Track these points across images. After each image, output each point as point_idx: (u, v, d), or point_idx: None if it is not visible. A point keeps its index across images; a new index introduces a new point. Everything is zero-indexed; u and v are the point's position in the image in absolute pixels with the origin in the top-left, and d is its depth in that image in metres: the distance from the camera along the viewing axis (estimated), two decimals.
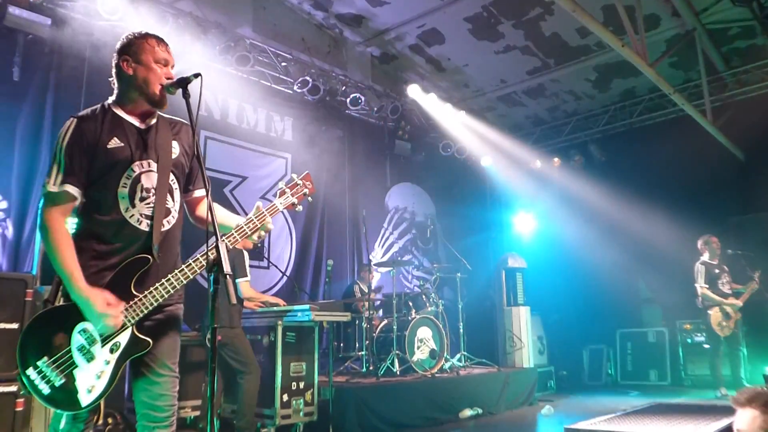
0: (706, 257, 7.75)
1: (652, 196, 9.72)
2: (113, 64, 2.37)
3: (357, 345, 7.00)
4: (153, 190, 2.30)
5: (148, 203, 2.29)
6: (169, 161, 2.37)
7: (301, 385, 5.41)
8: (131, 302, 2.21)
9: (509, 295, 8.46)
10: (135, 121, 2.34)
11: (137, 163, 2.29)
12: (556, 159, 10.60)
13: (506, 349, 8.26)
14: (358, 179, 9.56)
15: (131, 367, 2.32)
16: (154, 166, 2.33)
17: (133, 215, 2.26)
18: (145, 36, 2.38)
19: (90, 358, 2.16)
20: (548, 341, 9.41)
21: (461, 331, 7.75)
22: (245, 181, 8.03)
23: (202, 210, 2.57)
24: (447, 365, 7.06)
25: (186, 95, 2.24)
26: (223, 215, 2.54)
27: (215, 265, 1.97)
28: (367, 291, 7.39)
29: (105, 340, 2.18)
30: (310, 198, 2.66)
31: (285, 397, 5.24)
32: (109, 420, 5.11)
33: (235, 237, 2.36)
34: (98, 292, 2.14)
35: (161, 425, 2.32)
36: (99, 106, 2.36)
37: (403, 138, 10.06)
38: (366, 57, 9.69)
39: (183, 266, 2.28)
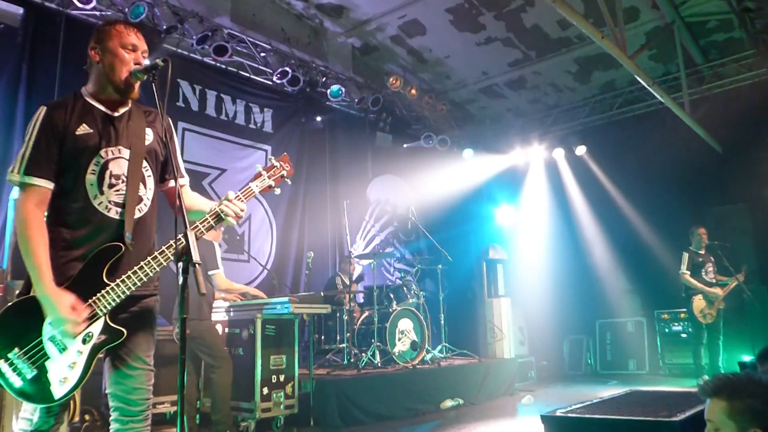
0: (692, 246, 7.79)
1: (631, 188, 9.82)
2: (87, 54, 2.33)
3: (338, 337, 6.99)
4: (123, 177, 2.26)
5: (118, 190, 2.25)
6: (141, 148, 2.33)
7: (282, 378, 5.38)
8: (103, 291, 2.16)
9: (490, 287, 8.51)
10: (106, 109, 2.31)
11: (106, 149, 2.25)
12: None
13: (487, 340, 8.31)
14: (339, 171, 9.52)
15: (105, 360, 2.28)
16: (125, 153, 2.29)
17: (101, 203, 2.22)
18: (114, 22, 2.34)
19: (62, 348, 2.11)
20: (529, 332, 9.47)
21: (442, 322, 7.77)
22: (224, 173, 7.95)
23: (184, 200, 2.47)
24: (428, 356, 7.07)
25: (154, 81, 2.19)
26: (201, 202, 2.50)
27: (184, 254, 1.93)
28: (348, 283, 7.37)
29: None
30: (289, 181, 2.62)
31: (265, 391, 5.21)
32: (86, 417, 5.04)
33: (208, 221, 2.31)
34: (65, 295, 2.08)
35: (135, 419, 2.28)
36: (71, 94, 2.32)
37: (385, 130, 10.04)
38: (347, 48, 9.63)
39: (156, 254, 2.24)
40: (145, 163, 2.35)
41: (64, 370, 2.11)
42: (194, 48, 7.46)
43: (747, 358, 7.36)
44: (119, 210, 2.25)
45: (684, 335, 9.00)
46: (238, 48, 7.89)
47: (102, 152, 2.24)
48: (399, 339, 6.80)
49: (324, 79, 8.80)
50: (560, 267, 10.20)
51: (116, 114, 2.32)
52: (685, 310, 8.59)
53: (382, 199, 10.29)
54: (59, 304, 2.06)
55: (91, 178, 2.21)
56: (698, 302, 7.45)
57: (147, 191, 2.36)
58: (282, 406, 5.33)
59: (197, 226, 2.29)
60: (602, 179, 10.23)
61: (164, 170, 2.48)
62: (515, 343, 8.58)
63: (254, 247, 8.06)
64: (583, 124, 10.62)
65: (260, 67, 8.32)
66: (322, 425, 5.45)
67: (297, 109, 9.03)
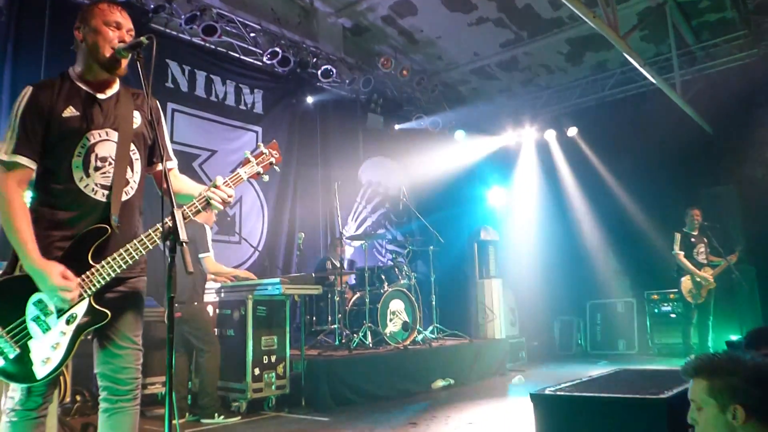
0: (686, 227, 7.84)
1: (622, 169, 9.85)
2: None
3: (330, 318, 7.00)
4: (110, 160, 2.25)
5: (104, 173, 2.24)
6: (129, 131, 2.32)
7: (273, 358, 5.40)
8: (88, 273, 2.15)
9: (482, 268, 8.53)
10: (93, 91, 2.29)
11: (93, 132, 2.24)
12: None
13: (478, 321, 8.35)
14: (330, 153, 9.47)
15: (93, 339, 2.28)
16: (113, 135, 2.28)
17: (87, 185, 2.22)
18: (97, 1, 2.30)
19: (45, 328, 2.11)
20: (520, 313, 9.54)
21: (434, 303, 7.80)
22: (215, 155, 7.90)
23: (172, 183, 2.45)
24: (419, 337, 7.11)
25: (139, 59, 2.15)
26: (190, 186, 2.49)
27: (171, 234, 1.92)
28: (338, 265, 7.38)
29: (61, 311, 2.13)
30: (277, 168, 2.62)
31: (257, 371, 5.24)
32: (77, 397, 5.06)
33: (196, 206, 2.30)
34: (54, 265, 2.08)
35: (124, 398, 2.30)
36: (58, 75, 2.30)
37: (376, 111, 9.98)
38: (337, 28, 9.53)
39: (142, 236, 2.23)
40: (132, 146, 2.33)
41: (47, 351, 2.11)
42: (182, 28, 7.37)
43: (735, 337, 7.44)
44: (106, 192, 2.24)
45: (673, 315, 9.09)
46: (228, 28, 7.80)
47: (88, 135, 2.23)
48: (390, 320, 6.82)
49: (315, 59, 8.72)
50: (551, 248, 10.25)
51: (103, 96, 2.31)
52: (674, 290, 8.70)
53: (373, 180, 10.26)
54: (50, 273, 2.06)
55: (76, 160, 2.20)
56: (686, 283, 7.56)
57: (134, 174, 2.35)
58: (273, 387, 5.36)
59: (184, 210, 2.27)
60: (593, 160, 10.25)
61: (152, 153, 2.47)
62: (506, 324, 8.64)
63: (245, 229, 8.03)
64: (575, 106, 10.62)
65: (250, 47, 8.24)
66: (313, 405, 5.48)
67: (288, 90, 8.96)
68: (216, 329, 5.52)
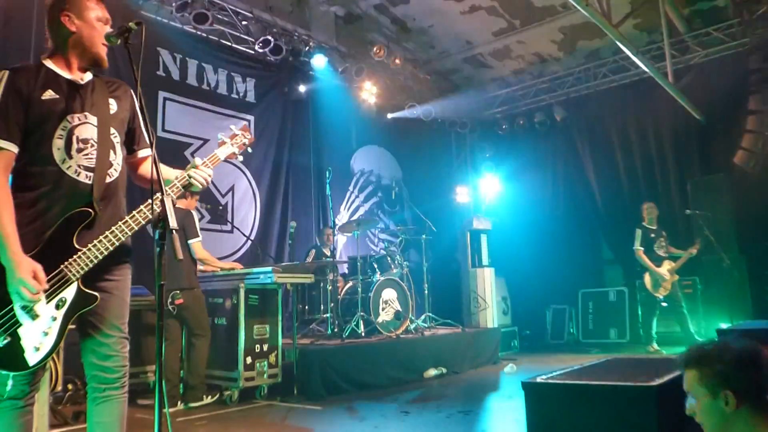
0: (646, 221, 8.15)
1: (614, 158, 9.86)
2: (49, 18, 2.28)
3: (322, 307, 7.01)
4: (92, 142, 2.25)
5: (87, 155, 2.24)
6: (107, 116, 2.33)
7: (265, 347, 5.40)
8: (75, 256, 2.14)
9: (474, 257, 8.55)
10: (70, 76, 2.29)
11: (72, 115, 2.23)
12: None
13: (471, 310, 8.38)
14: (322, 142, 9.44)
15: (78, 328, 2.27)
16: (92, 119, 2.28)
17: (70, 166, 2.20)
18: None
19: (34, 315, 2.09)
20: (512, 302, 9.57)
21: (426, 292, 7.81)
22: (206, 143, 7.84)
23: (144, 169, 2.51)
24: (412, 326, 7.13)
25: (128, 46, 2.13)
26: (168, 172, 2.46)
27: (161, 221, 1.90)
28: (329, 254, 7.38)
29: (50, 296, 2.11)
30: (250, 149, 2.68)
31: (249, 360, 5.24)
32: (69, 386, 5.04)
33: (177, 186, 2.32)
34: (30, 262, 2.06)
35: (112, 386, 2.30)
36: (33, 63, 2.30)
37: (369, 100, 9.94)
38: (330, 16, 9.46)
39: (127, 218, 2.22)
40: (113, 130, 2.34)
41: (38, 338, 2.10)
42: (174, 16, 7.30)
43: (725, 325, 7.50)
44: (89, 174, 2.23)
45: (665, 304, 9.13)
46: (219, 16, 7.73)
47: (69, 117, 2.22)
48: (383, 309, 6.83)
49: (307, 48, 8.67)
50: (543, 237, 10.27)
51: (81, 82, 2.30)
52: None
53: (366, 169, 10.24)
54: (20, 267, 2.03)
55: (58, 142, 2.19)
56: (647, 278, 7.91)
57: (117, 157, 2.34)
58: (265, 375, 5.37)
59: (166, 191, 2.21)
60: (586, 149, 10.26)
61: (131, 141, 2.47)
62: (498, 313, 8.68)
63: (238, 218, 8.01)
64: (568, 94, 10.61)
65: (242, 35, 8.17)
66: (305, 394, 5.49)
67: (280, 78, 8.90)
68: (208, 317, 5.52)
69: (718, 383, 1.90)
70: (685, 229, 8.70)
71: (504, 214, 10.60)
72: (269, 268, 5.39)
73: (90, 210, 2.20)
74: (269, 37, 8.03)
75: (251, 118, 8.46)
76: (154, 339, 5.72)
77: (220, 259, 6.15)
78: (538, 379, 3.37)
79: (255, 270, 5.51)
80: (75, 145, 2.21)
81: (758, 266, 8.17)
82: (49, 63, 2.27)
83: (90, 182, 2.23)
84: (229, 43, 8.16)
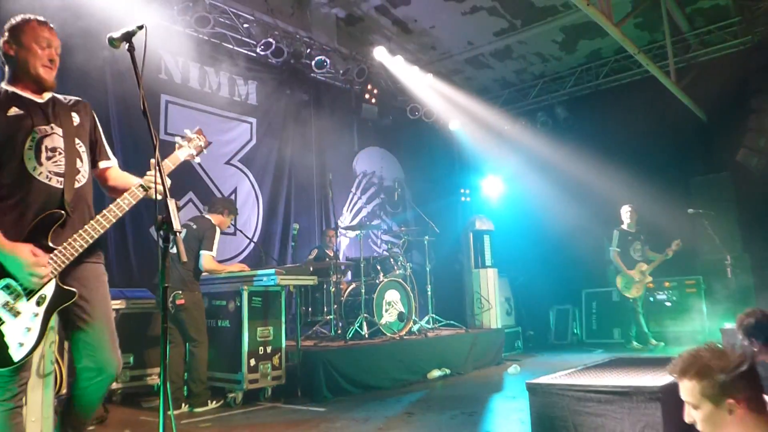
0: (624, 225, 8.44)
1: (617, 158, 9.82)
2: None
3: (325, 309, 7.01)
4: (60, 150, 2.43)
5: (56, 162, 2.40)
6: (71, 127, 2.51)
7: (269, 349, 5.40)
8: (52, 255, 2.27)
9: (477, 258, 8.53)
10: (31, 96, 2.48)
11: (39, 127, 2.40)
12: None
13: (474, 311, 8.37)
14: (324, 144, 9.45)
15: (65, 323, 2.39)
16: (58, 130, 2.45)
17: (41, 173, 2.36)
18: (28, 20, 2.49)
19: (16, 313, 2.18)
20: (516, 302, 9.56)
21: (429, 293, 7.81)
22: (208, 147, 7.84)
23: (113, 179, 2.70)
24: (415, 327, 7.12)
25: (131, 48, 2.15)
26: (132, 180, 2.63)
27: (164, 223, 1.91)
28: (332, 255, 7.38)
29: (30, 294, 2.20)
30: (205, 151, 2.92)
31: (252, 362, 5.24)
32: None
33: (134, 193, 2.47)
34: (22, 245, 2.19)
35: (100, 377, 2.45)
36: None
37: (370, 102, 9.94)
38: (331, 19, 9.47)
39: (98, 217, 2.39)
40: (77, 140, 2.52)
41: (21, 335, 2.19)
42: (175, 18, 7.30)
43: (729, 325, 7.50)
44: (60, 179, 2.40)
45: (668, 304, 9.12)
46: (221, 19, 7.74)
47: (36, 129, 2.39)
48: (386, 310, 6.83)
49: (308, 50, 8.67)
50: (546, 237, 10.25)
51: (41, 100, 2.50)
52: (669, 279, 8.79)
53: (368, 171, 10.25)
54: (20, 253, 2.15)
55: (28, 152, 2.35)
56: (619, 279, 8.27)
57: (83, 165, 2.53)
58: (269, 378, 5.36)
59: (125, 197, 2.43)
60: (588, 149, 10.23)
61: (93, 154, 2.66)
62: (502, 314, 8.66)
63: (240, 220, 8.01)
64: (569, 94, 10.61)
65: (243, 38, 8.19)
66: (309, 396, 5.49)
67: (282, 81, 8.91)
68: (211, 320, 5.53)
69: (719, 393, 1.88)
70: (689, 228, 8.68)
71: (507, 215, 10.58)
72: (272, 270, 5.39)
73: (61, 212, 2.34)
74: (271, 40, 8.04)
75: (253, 120, 8.48)
76: (156, 342, 5.73)
77: (222, 261, 6.16)
78: (543, 380, 3.37)
79: (258, 272, 5.51)
80: (44, 153, 2.38)
81: (762, 265, 8.16)
82: (7, 86, 2.46)
83: (61, 186, 2.39)
84: (231, 46, 8.17)
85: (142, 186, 2.48)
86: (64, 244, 2.30)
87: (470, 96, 10.65)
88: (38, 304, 2.23)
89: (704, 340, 2.15)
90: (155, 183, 2.36)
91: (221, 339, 5.42)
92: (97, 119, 2.67)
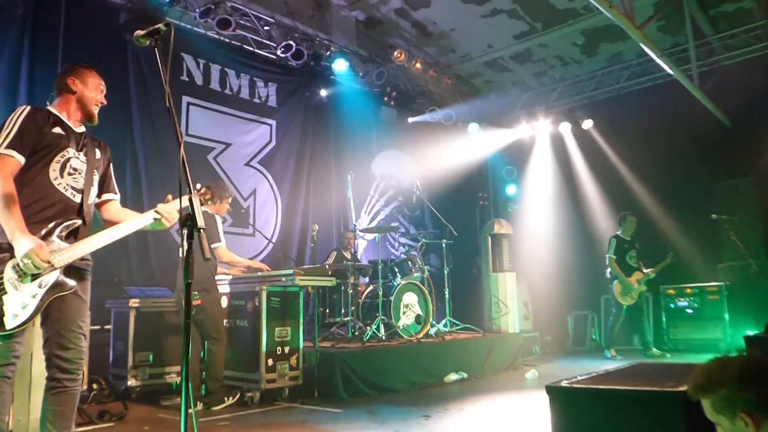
0: (619, 231, 8.46)
1: (638, 162, 9.75)
2: (58, 78, 2.91)
3: (343, 311, 7.01)
4: (81, 171, 2.80)
5: (75, 179, 2.77)
6: (94, 160, 2.89)
7: (287, 349, 5.41)
8: (62, 249, 2.58)
9: (495, 261, 8.47)
10: (73, 125, 2.86)
11: (69, 149, 2.77)
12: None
13: (492, 315, 8.31)
14: (343, 146, 9.48)
15: (43, 322, 2.63)
16: (83, 158, 2.83)
17: (60, 183, 2.71)
18: (90, 67, 2.98)
19: (18, 289, 2.48)
20: (533, 307, 9.47)
21: (447, 296, 7.78)
22: (229, 147, 7.93)
23: (113, 212, 3.04)
24: (432, 330, 7.10)
25: (157, 46, 2.18)
26: (126, 214, 3.04)
27: (188, 220, 1.92)
28: (349, 257, 7.38)
29: (35, 277, 2.50)
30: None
31: (270, 362, 5.25)
32: (94, 386, 5.12)
33: (148, 217, 2.88)
34: (35, 239, 2.49)
35: (70, 377, 2.63)
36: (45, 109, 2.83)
37: (389, 104, 9.96)
38: (351, 21, 9.51)
39: (110, 229, 2.75)
40: (95, 172, 2.91)
41: (17, 308, 2.47)
42: (197, 21, 7.39)
43: (752, 333, 7.38)
44: (75, 193, 2.76)
45: (689, 311, 8.98)
46: (242, 21, 7.81)
47: (67, 150, 2.76)
48: (403, 313, 6.81)
49: (328, 53, 8.72)
50: (565, 242, 10.18)
51: (79, 130, 2.89)
52: (691, 285, 8.67)
53: (386, 173, 10.25)
54: (29, 240, 2.45)
55: (54, 165, 2.72)
56: (617, 286, 8.28)
57: (94, 191, 2.91)
58: (287, 378, 5.37)
59: (135, 220, 2.87)
60: (609, 153, 10.16)
61: (101, 188, 3.00)
62: (520, 318, 8.59)
63: (259, 221, 8.06)
64: (590, 98, 10.53)
65: (264, 40, 8.24)
66: (326, 397, 5.49)
67: (301, 83, 8.97)
68: (229, 320, 5.56)
69: (730, 408, 1.84)
70: (711, 234, 8.57)
71: (526, 219, 10.52)
72: (291, 271, 5.40)
73: (79, 220, 2.72)
74: (291, 42, 8.09)
75: (273, 122, 8.53)
76: (175, 341, 5.77)
77: None
78: (563, 383, 3.32)
79: (277, 272, 5.53)
80: (67, 170, 2.75)
81: None
82: (54, 110, 2.84)
83: (75, 200, 2.75)
84: (252, 48, 8.23)
85: (156, 212, 2.85)
86: (75, 244, 2.63)
87: (489, 99, 10.62)
88: (40, 286, 2.51)
89: (726, 348, 2.10)
90: (181, 203, 2.61)
91: (239, 338, 5.45)
92: (111, 160, 3.10)
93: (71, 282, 2.60)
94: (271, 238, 8.04)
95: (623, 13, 6.41)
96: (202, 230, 1.93)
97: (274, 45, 8.24)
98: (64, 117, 2.84)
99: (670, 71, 7.74)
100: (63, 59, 6.07)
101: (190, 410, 1.98)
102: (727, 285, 8.51)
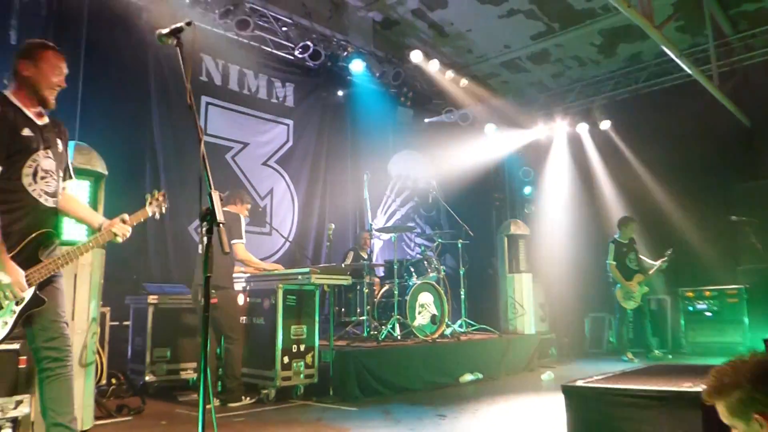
0: (617, 235, 8.53)
1: (656, 164, 9.65)
2: (12, 64, 2.79)
3: (358, 310, 7.02)
4: (51, 173, 2.80)
5: (47, 182, 2.77)
6: (58, 154, 2.87)
7: (302, 347, 5.45)
8: (38, 266, 2.66)
9: (511, 262, 8.43)
10: (35, 119, 2.79)
11: (39, 151, 2.75)
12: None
13: (508, 316, 8.27)
14: (360, 146, 9.51)
15: (27, 320, 2.70)
16: (51, 155, 2.81)
17: (35, 190, 2.72)
18: (46, 47, 2.83)
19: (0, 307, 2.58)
20: (550, 309, 9.42)
21: (462, 297, 7.77)
22: (247, 147, 7.99)
23: (66, 203, 3.02)
24: (448, 331, 7.09)
25: (179, 44, 2.22)
26: (85, 211, 3.13)
27: (208, 215, 1.95)
28: (366, 257, 7.40)
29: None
30: (163, 211, 3.22)
31: (286, 359, 5.29)
32: (113, 380, 5.19)
33: (98, 240, 2.91)
34: (17, 270, 2.57)
35: (60, 365, 2.73)
36: (2, 97, 2.75)
37: (406, 104, 9.98)
38: (367, 22, 9.53)
39: (79, 244, 2.81)
40: (59, 166, 2.88)
41: None
42: (217, 22, 7.46)
43: None
44: (47, 198, 2.77)
45: (709, 314, 8.88)
46: (260, 22, 7.87)
47: (37, 152, 2.74)
48: (419, 312, 6.81)
49: (345, 53, 8.76)
50: (582, 243, 10.10)
51: (42, 123, 2.83)
52: (710, 287, 8.58)
53: (403, 174, 10.26)
54: (9, 272, 2.53)
55: (27, 170, 2.70)
56: (618, 292, 8.40)
57: (59, 186, 2.91)
58: (302, 376, 5.41)
59: (97, 239, 2.92)
60: (627, 154, 10.08)
61: (64, 173, 3.00)
62: (536, 320, 8.55)
63: (276, 220, 8.12)
64: (608, 98, 10.46)
65: (282, 41, 8.30)
66: (341, 395, 5.50)
67: (318, 83, 9.02)
68: (246, 317, 5.60)
69: (744, 410, 1.82)
70: (730, 236, 8.47)
71: (542, 219, 10.46)
72: (307, 269, 5.43)
73: (53, 231, 2.76)
74: (308, 43, 8.15)
75: (290, 122, 8.59)
76: (192, 338, 5.83)
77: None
78: (579, 383, 3.32)
79: (293, 271, 5.56)
80: (39, 174, 2.74)
81: None
82: (13, 98, 2.74)
83: (49, 204, 2.77)
84: (270, 49, 8.29)
85: (114, 232, 2.91)
86: (50, 260, 2.71)
87: (506, 100, 10.59)
88: (17, 304, 2.61)
89: (745, 352, 2.08)
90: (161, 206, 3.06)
91: (256, 336, 5.49)
92: (68, 139, 3.06)
93: (45, 298, 2.70)
94: (288, 237, 8.09)
95: (642, 12, 6.36)
96: (221, 225, 1.95)
97: (292, 45, 8.30)
98: (25, 109, 2.77)
99: (689, 71, 7.67)
100: (85, 59, 6.18)
101: (208, 405, 2.00)
102: (747, 288, 8.40)
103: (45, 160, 2.76)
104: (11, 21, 5.98)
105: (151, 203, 3.16)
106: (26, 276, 2.61)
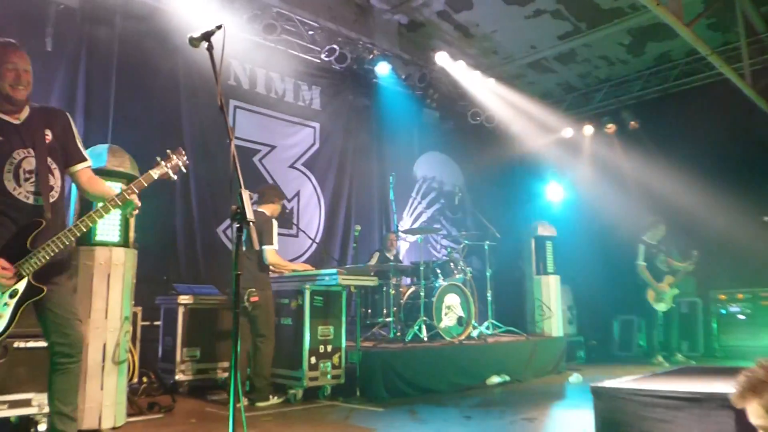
0: (646, 237, 8.47)
1: (687, 164, 9.47)
2: None
3: (385, 311, 7.04)
4: (36, 172, 2.75)
5: (32, 182, 2.74)
6: (43, 148, 2.80)
7: (329, 348, 5.49)
8: (27, 257, 2.63)
9: (539, 264, 8.38)
10: (9, 119, 2.75)
11: (16, 151, 2.72)
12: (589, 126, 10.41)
13: (535, 318, 8.22)
14: (385, 148, 9.54)
15: (40, 315, 2.78)
16: (32, 152, 2.76)
17: (20, 193, 2.72)
18: (2, 44, 2.75)
19: None
20: (578, 311, 9.33)
21: (489, 299, 7.75)
22: (274, 150, 8.08)
23: (88, 184, 2.99)
24: (474, 333, 7.07)
25: (210, 47, 2.28)
26: (104, 188, 3.01)
27: (238, 213, 1.99)
28: (392, 258, 7.42)
29: (4, 288, 2.59)
30: (184, 169, 3.01)
31: (313, 360, 5.33)
32: (144, 379, 5.29)
33: (116, 201, 2.78)
34: None
35: (71, 359, 2.82)
36: None
37: (431, 106, 9.99)
38: (393, 25, 9.56)
39: (71, 226, 2.73)
40: (49, 159, 2.82)
41: None
42: (244, 27, 7.55)
43: None
44: (36, 197, 2.76)
45: (742, 317, 8.70)
46: (287, 26, 7.95)
47: (13, 154, 2.71)
48: (445, 314, 6.81)
49: (371, 56, 8.81)
50: (611, 245, 9.96)
51: (17, 122, 2.78)
52: (743, 290, 8.42)
53: (428, 175, 10.26)
54: None
55: (7, 175, 2.70)
56: (650, 293, 8.35)
57: (56, 180, 2.86)
58: (329, 376, 5.45)
59: (99, 210, 2.78)
60: (656, 155, 9.92)
61: (68, 159, 2.94)
62: (564, 322, 8.48)
63: (303, 222, 8.19)
64: (636, 98, 10.33)
65: (308, 45, 8.37)
66: (367, 396, 5.53)
67: (344, 86, 9.08)
68: (275, 318, 5.65)
69: None
70: (763, 237, 8.28)
71: (570, 221, 10.35)
72: (334, 270, 5.47)
73: (41, 220, 2.69)
74: (334, 46, 8.21)
75: (317, 125, 8.65)
76: (224, 338, 5.91)
77: None
78: (608, 384, 3.29)
79: (321, 271, 5.61)
80: (22, 176, 2.73)
81: None
82: None
83: (37, 203, 2.75)
84: (296, 53, 8.37)
85: (116, 200, 2.78)
86: (39, 248, 2.64)
87: (533, 101, 10.52)
88: (11, 296, 2.60)
89: None
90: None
91: (283, 336, 5.54)
92: (72, 122, 2.95)
93: (43, 286, 2.68)
94: (315, 238, 8.15)
95: (671, 10, 6.28)
96: (251, 223, 1.99)
97: (318, 49, 8.37)
98: None
99: (720, 70, 7.54)
100: (118, 65, 6.33)
101: (238, 404, 2.04)
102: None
103: (26, 160, 2.74)
104: (47, 28, 6.16)
105: (159, 163, 2.93)
106: (17, 266, 2.61)
